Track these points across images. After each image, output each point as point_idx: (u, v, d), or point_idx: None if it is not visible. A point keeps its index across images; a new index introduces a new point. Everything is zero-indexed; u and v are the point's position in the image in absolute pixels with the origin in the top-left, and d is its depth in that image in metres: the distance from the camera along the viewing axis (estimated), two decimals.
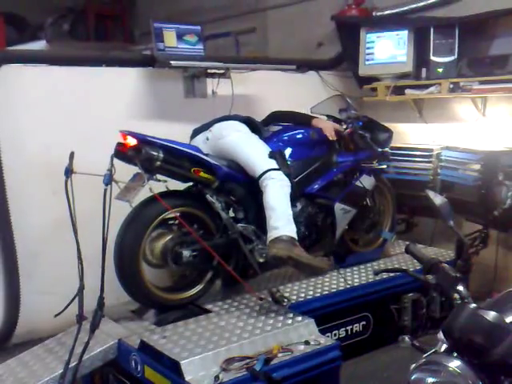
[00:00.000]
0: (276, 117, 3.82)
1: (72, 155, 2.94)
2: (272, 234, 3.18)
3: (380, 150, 3.89)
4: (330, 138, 3.65)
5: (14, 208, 3.66)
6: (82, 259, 2.90)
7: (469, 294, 1.84)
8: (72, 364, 2.75)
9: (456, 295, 1.85)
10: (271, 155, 3.36)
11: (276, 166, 3.31)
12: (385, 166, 4.01)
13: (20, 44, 5.74)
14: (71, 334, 2.93)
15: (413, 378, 1.71)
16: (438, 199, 2.07)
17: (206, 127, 3.53)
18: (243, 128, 3.49)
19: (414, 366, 1.74)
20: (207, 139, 3.45)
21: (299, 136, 3.63)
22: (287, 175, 3.33)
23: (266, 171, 3.27)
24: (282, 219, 3.21)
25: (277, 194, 3.25)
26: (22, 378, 2.81)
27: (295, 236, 3.21)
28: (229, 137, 3.39)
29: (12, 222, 3.66)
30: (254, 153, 3.37)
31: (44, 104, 3.81)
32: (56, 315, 3.06)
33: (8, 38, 6.36)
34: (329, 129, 3.66)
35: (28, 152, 3.76)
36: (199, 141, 3.48)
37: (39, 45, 5.52)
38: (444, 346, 1.75)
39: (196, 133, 3.57)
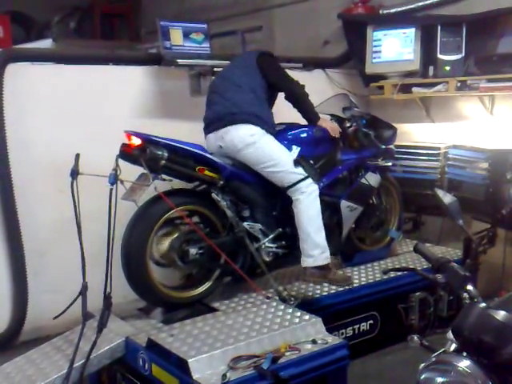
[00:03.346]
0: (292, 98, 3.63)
1: (77, 157, 2.95)
2: (308, 263, 3.41)
3: (384, 147, 3.88)
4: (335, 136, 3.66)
5: (21, 206, 3.67)
6: (85, 259, 2.91)
7: (478, 293, 1.83)
8: (79, 362, 2.76)
9: (465, 294, 1.84)
10: (296, 162, 3.36)
11: (303, 174, 3.34)
12: (390, 164, 4.01)
13: (27, 42, 5.76)
14: (79, 332, 2.93)
15: (422, 377, 1.71)
16: (447, 198, 2.06)
17: (217, 124, 3.40)
18: (255, 133, 3.32)
19: (423, 365, 1.73)
20: (220, 147, 3.38)
21: (303, 134, 3.62)
22: (314, 177, 3.38)
23: (294, 183, 3.32)
24: (317, 248, 3.36)
25: (309, 213, 3.33)
26: (30, 375, 2.82)
27: (329, 260, 3.42)
28: (245, 150, 3.32)
29: (19, 221, 3.68)
30: (278, 165, 3.34)
31: (51, 102, 3.82)
32: (55, 317, 3.09)
33: (15, 36, 6.37)
34: (334, 130, 3.65)
35: (35, 150, 3.77)
36: (212, 143, 3.41)
37: (46, 43, 5.51)
38: (453, 346, 1.74)
39: (209, 125, 3.47)
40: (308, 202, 3.33)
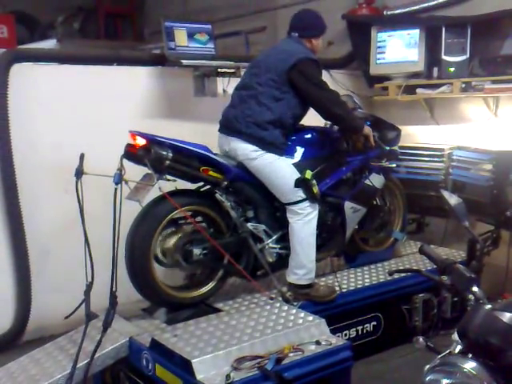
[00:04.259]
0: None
1: (82, 156, 2.95)
2: (292, 279, 3.38)
3: (388, 148, 3.88)
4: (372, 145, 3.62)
5: (25, 206, 3.68)
6: (92, 258, 2.91)
7: (484, 294, 1.82)
8: (83, 362, 2.76)
9: (471, 296, 1.84)
10: (298, 183, 3.28)
11: (301, 197, 3.28)
12: (394, 165, 4.00)
13: (31, 43, 5.77)
14: (82, 331, 2.93)
15: (427, 379, 1.70)
16: (452, 199, 2.06)
17: (227, 130, 3.36)
18: (258, 150, 3.26)
19: (428, 367, 1.73)
20: (226, 151, 3.37)
21: (307, 135, 3.60)
22: (314, 200, 3.30)
23: (291, 203, 3.29)
24: (302, 268, 3.33)
25: (300, 235, 3.30)
26: (34, 375, 2.83)
27: (313, 280, 3.39)
28: (245, 162, 3.30)
29: (23, 220, 3.68)
30: (277, 183, 3.30)
31: (55, 103, 3.83)
32: (67, 317, 3.10)
33: (19, 36, 6.38)
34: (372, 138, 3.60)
35: (39, 151, 3.78)
36: (221, 143, 3.40)
37: (50, 44, 5.53)
38: (459, 347, 1.73)
39: (222, 125, 3.42)
40: (301, 225, 3.29)
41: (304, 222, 3.29)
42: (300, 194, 3.28)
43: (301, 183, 3.27)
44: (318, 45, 3.52)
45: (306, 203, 3.29)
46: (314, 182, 3.30)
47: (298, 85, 3.28)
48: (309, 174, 3.28)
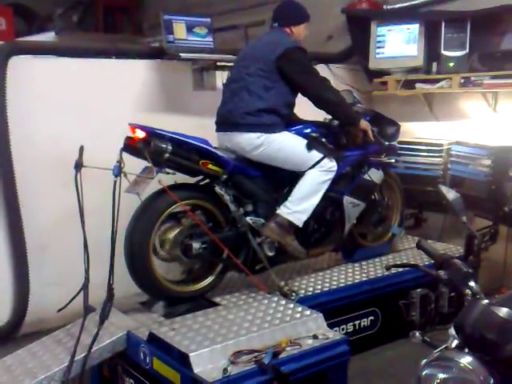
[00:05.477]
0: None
1: (82, 149, 2.94)
2: (282, 211, 3.35)
3: (387, 143, 3.88)
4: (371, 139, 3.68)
5: (23, 200, 3.67)
6: (88, 252, 2.92)
7: (481, 289, 1.83)
8: (81, 355, 2.76)
9: (468, 291, 1.84)
10: (309, 146, 3.35)
11: (319, 156, 3.35)
12: (393, 160, 4.00)
13: (29, 35, 5.75)
14: (80, 325, 2.93)
15: (424, 373, 1.71)
16: (450, 194, 2.06)
17: (225, 126, 3.40)
18: (261, 135, 3.30)
19: (424, 361, 1.73)
20: (228, 147, 3.38)
21: (306, 130, 3.59)
22: (329, 154, 3.39)
23: (311, 167, 3.35)
24: (299, 204, 3.33)
25: (314, 178, 3.34)
26: (31, 368, 2.83)
27: (300, 224, 3.34)
28: (254, 152, 3.32)
29: (21, 214, 3.67)
30: (291, 156, 3.35)
31: (53, 96, 3.81)
32: (59, 310, 3.10)
33: (17, 29, 6.37)
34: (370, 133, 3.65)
35: (38, 144, 3.76)
36: (221, 142, 3.42)
37: (48, 36, 5.52)
38: (455, 342, 1.74)
39: (218, 124, 3.46)
40: (319, 172, 3.34)
41: (322, 170, 3.35)
42: (316, 154, 3.35)
43: (312, 143, 3.36)
44: (300, 33, 3.55)
45: (326, 160, 3.36)
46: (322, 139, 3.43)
47: (288, 73, 3.33)
48: (312, 134, 3.41)
